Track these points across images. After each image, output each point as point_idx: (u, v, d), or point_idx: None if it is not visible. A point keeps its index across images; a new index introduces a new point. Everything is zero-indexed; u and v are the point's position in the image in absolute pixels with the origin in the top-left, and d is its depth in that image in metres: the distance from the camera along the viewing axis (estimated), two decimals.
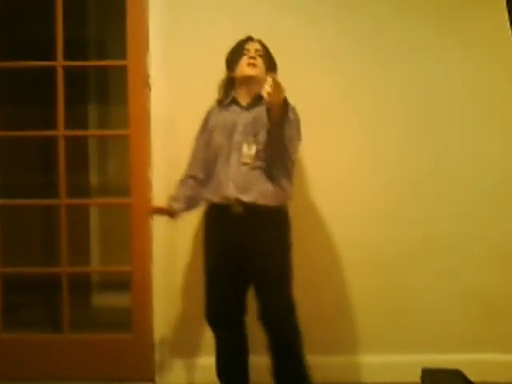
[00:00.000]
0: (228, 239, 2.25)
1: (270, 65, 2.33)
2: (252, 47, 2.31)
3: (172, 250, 2.76)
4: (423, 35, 2.75)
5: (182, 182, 2.42)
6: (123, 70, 2.78)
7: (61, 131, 2.79)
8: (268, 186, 2.21)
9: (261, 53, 2.32)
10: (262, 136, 2.20)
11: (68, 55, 2.77)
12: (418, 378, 2.25)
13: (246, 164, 2.21)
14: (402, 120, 2.77)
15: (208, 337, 2.56)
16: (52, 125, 2.81)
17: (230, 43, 2.32)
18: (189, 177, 2.40)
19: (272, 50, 2.36)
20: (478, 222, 2.78)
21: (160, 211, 2.49)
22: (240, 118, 2.26)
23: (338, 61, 2.74)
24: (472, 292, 2.76)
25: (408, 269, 2.77)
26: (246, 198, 2.19)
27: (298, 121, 2.28)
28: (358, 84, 2.74)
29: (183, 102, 2.74)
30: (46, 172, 3.68)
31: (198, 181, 2.37)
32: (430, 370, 2.23)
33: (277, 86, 1.96)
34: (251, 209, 2.19)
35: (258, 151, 2.21)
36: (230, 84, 2.36)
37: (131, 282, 2.81)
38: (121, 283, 3.03)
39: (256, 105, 2.25)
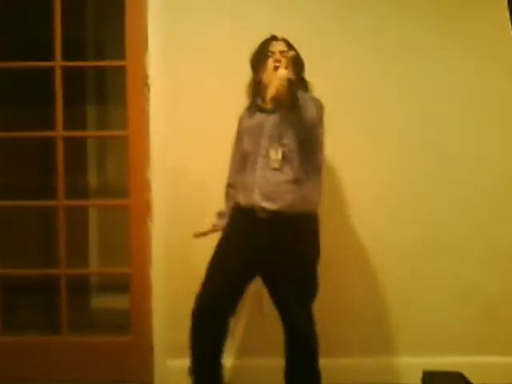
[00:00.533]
0: (253, 244, 2.20)
1: (297, 64, 2.23)
2: (276, 49, 2.25)
3: (171, 251, 2.74)
4: (423, 35, 2.74)
5: (226, 195, 2.43)
6: (122, 70, 2.77)
7: (59, 132, 2.78)
8: (295, 194, 2.15)
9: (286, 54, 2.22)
10: (287, 137, 2.16)
11: (66, 55, 2.76)
12: (418, 381, 2.24)
13: (274, 169, 2.16)
14: (402, 120, 2.76)
15: None
16: (50, 125, 2.80)
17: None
18: (229, 186, 2.42)
19: None
20: (478, 222, 2.77)
21: (205, 234, 2.42)
22: (266, 121, 2.22)
23: (338, 61, 2.73)
24: (472, 292, 2.75)
25: (408, 269, 2.76)
26: (270, 207, 2.15)
27: (318, 106, 2.19)
28: (358, 84, 2.74)
29: (182, 102, 2.73)
30: (45, 173, 3.67)
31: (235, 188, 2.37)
32: (430, 372, 2.23)
33: (284, 83, 1.94)
34: (276, 217, 2.15)
35: (284, 154, 2.15)
36: (257, 86, 2.30)
37: (130, 283, 2.80)
38: (119, 285, 3.02)
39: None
